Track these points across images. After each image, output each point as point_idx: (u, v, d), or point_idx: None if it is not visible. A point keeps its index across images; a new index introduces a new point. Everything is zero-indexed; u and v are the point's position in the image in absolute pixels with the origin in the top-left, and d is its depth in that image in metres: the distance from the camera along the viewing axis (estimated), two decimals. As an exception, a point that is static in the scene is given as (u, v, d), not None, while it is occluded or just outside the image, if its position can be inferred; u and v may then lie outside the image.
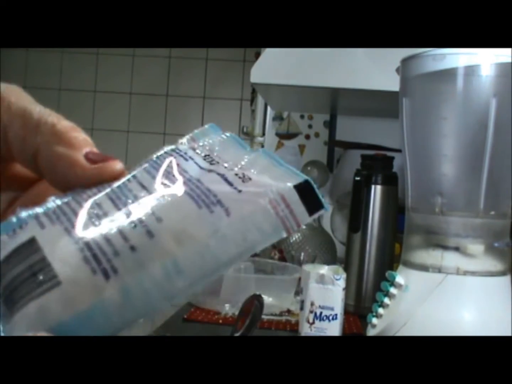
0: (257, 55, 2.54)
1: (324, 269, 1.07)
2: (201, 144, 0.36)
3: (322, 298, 1.04)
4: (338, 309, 1.04)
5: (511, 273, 0.94)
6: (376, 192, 1.40)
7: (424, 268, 0.93)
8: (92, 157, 0.35)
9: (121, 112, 4.13)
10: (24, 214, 0.32)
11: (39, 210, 0.32)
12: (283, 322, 1.27)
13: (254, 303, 0.95)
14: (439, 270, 0.92)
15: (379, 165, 1.43)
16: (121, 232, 0.30)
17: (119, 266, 0.29)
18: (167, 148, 0.36)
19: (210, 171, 0.32)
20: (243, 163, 0.33)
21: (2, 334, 0.29)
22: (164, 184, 0.32)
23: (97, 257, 0.29)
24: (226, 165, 0.33)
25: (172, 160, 0.34)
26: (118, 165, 0.35)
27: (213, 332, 1.17)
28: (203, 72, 4.12)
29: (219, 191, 0.30)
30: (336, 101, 2.01)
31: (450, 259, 0.92)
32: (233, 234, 0.29)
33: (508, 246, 0.93)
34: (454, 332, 0.88)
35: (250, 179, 0.30)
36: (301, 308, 1.07)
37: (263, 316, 1.11)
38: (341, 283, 1.04)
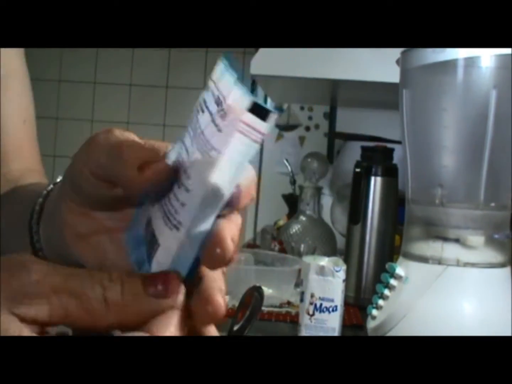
0: (257, 46, 2.53)
1: (324, 261, 1.07)
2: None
3: (322, 290, 1.04)
4: (338, 301, 1.05)
5: (511, 264, 0.94)
6: (376, 183, 1.40)
7: (424, 259, 0.94)
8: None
9: (121, 104, 4.13)
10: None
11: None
12: (283, 313, 1.27)
13: (254, 295, 0.95)
14: (439, 261, 0.92)
15: (379, 156, 1.43)
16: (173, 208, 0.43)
17: (183, 221, 0.41)
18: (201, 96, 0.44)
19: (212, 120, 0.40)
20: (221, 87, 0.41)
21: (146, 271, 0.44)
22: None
23: (170, 219, 0.42)
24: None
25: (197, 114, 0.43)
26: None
27: (213, 324, 1.17)
28: (203, 63, 4.11)
29: (212, 139, 0.40)
30: (336, 93, 2.01)
31: (450, 250, 0.92)
32: (229, 164, 0.39)
33: (508, 238, 0.93)
34: (454, 324, 0.88)
35: (226, 114, 0.39)
36: (301, 300, 1.07)
37: (263, 308, 1.12)
38: (341, 275, 1.04)
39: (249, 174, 0.43)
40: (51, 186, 0.58)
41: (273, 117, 0.38)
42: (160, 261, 0.44)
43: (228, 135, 0.39)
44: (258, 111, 0.39)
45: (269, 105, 0.39)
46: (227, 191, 0.40)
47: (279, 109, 0.45)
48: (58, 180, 0.57)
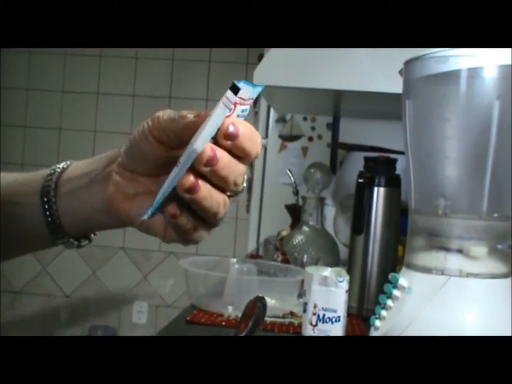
0: (260, 57, 2.53)
1: (327, 271, 1.07)
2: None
3: (325, 300, 1.04)
4: (341, 311, 1.04)
5: (514, 275, 0.93)
6: (379, 194, 1.40)
7: (427, 270, 0.93)
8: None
9: (124, 114, 4.14)
10: None
11: None
12: (286, 324, 1.27)
13: (257, 305, 0.95)
14: (442, 272, 0.92)
15: (382, 167, 1.43)
16: None
17: (181, 160, 0.60)
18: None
19: None
20: None
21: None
22: None
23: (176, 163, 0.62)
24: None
25: None
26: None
27: (216, 334, 1.17)
28: (206, 74, 4.12)
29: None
30: (339, 103, 2.01)
31: (453, 261, 0.92)
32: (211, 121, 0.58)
33: (511, 248, 0.93)
34: (457, 334, 0.88)
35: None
36: (304, 310, 1.07)
37: (266, 318, 1.11)
38: (344, 285, 1.04)
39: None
40: (61, 166, 0.75)
41: (244, 90, 0.59)
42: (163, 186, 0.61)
43: (217, 106, 0.58)
44: (234, 88, 0.58)
45: (244, 83, 0.59)
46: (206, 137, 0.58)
47: (253, 85, 0.58)
48: (62, 164, 0.75)
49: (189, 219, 0.62)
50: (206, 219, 0.63)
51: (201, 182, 0.59)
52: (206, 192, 0.59)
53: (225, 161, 0.59)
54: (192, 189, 0.58)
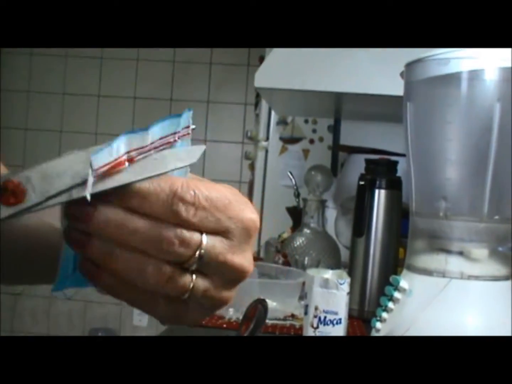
0: (261, 59, 2.53)
1: (328, 274, 1.07)
2: None
3: (326, 303, 1.04)
4: (342, 314, 1.04)
5: (515, 277, 0.93)
6: (380, 196, 1.40)
7: (428, 272, 0.93)
8: None
9: (125, 117, 4.14)
10: None
11: None
12: (287, 326, 1.27)
13: (258, 308, 0.95)
14: (443, 274, 0.92)
15: (383, 169, 1.43)
16: None
17: None
18: None
19: None
20: None
21: None
22: None
23: None
24: None
25: None
26: None
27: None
28: (207, 76, 4.12)
29: None
30: (340, 106, 2.01)
31: (454, 263, 0.92)
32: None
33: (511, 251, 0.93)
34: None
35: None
36: (305, 313, 1.07)
37: (267, 321, 1.11)
38: (345, 288, 1.04)
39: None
40: None
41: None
42: None
43: None
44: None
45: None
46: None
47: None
48: None
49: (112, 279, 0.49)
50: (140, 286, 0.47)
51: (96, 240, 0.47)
52: (99, 249, 0.48)
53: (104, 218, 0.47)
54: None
